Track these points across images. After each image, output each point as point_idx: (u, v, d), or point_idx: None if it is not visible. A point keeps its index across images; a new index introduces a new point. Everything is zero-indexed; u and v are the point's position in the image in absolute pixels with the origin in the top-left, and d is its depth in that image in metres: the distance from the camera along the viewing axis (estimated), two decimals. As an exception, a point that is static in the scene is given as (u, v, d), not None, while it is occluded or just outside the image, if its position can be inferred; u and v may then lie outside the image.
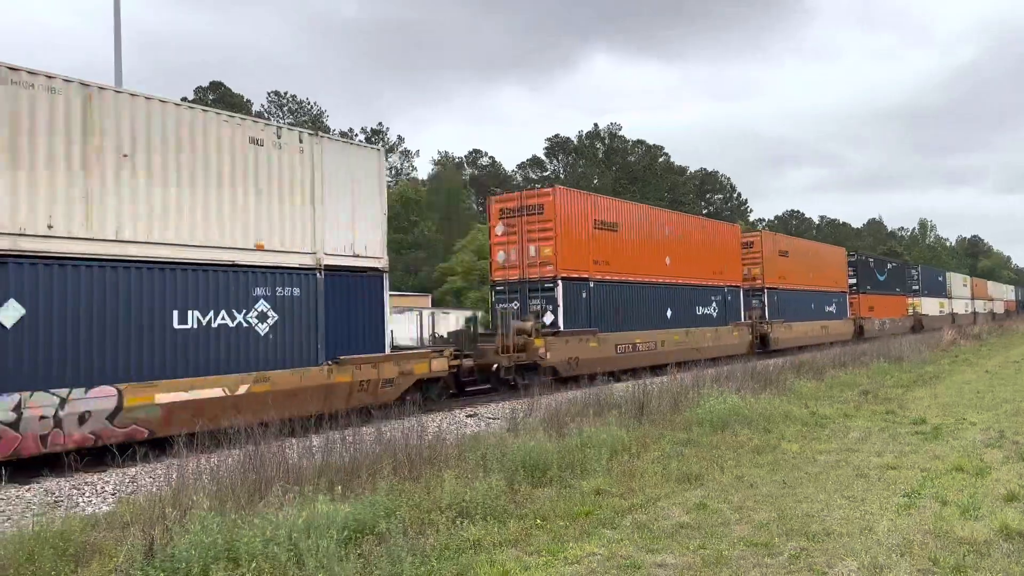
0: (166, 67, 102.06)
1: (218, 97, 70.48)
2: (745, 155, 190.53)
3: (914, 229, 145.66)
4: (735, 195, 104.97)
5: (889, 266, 47.87)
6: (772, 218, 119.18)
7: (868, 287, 42.64)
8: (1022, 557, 5.75)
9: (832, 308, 37.53)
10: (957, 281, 66.64)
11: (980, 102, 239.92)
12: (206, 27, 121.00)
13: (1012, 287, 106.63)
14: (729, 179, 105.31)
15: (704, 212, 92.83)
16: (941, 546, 6.04)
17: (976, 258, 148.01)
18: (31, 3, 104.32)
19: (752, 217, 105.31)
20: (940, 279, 60.57)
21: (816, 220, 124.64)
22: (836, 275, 38.64)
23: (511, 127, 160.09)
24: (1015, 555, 5.78)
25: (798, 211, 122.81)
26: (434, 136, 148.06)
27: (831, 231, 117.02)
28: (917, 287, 53.20)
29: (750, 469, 8.99)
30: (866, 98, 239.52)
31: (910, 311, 51.29)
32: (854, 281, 41.18)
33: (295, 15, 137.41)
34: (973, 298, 71.57)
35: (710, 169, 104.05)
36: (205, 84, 71.61)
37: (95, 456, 10.05)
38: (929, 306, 55.27)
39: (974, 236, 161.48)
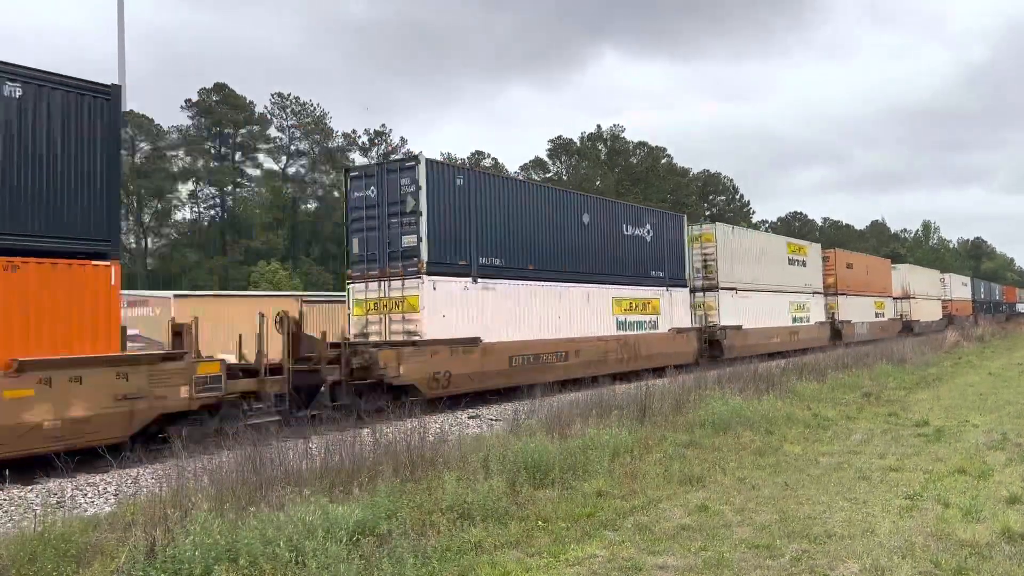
0: (170, 67, 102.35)
1: (221, 98, 70.69)
2: (752, 155, 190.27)
3: (917, 231, 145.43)
4: (738, 196, 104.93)
5: None
6: (775, 219, 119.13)
7: None
8: (1024, 559, 5.74)
9: None
10: (774, 249, 31.62)
11: (993, 101, 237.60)
12: (210, 27, 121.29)
13: (967, 279, 72.59)
14: (732, 180, 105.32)
15: (707, 214, 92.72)
16: (943, 548, 6.03)
17: (979, 260, 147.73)
18: (35, 2, 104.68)
19: (755, 219, 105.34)
20: (673, 242, 24.82)
21: (819, 222, 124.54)
22: None
23: (518, 127, 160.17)
24: (1017, 557, 5.76)
25: (801, 212, 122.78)
26: (440, 137, 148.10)
27: (834, 232, 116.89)
28: (477, 259, 18.05)
29: (752, 471, 8.98)
30: (874, 96, 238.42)
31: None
32: None
33: (299, 15, 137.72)
34: (834, 293, 37.42)
35: (713, 170, 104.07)
36: (209, 85, 71.76)
37: (85, 456, 10.03)
38: (591, 311, 21.02)
39: (976, 238, 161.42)
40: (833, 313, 37.33)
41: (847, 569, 5.65)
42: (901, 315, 48.98)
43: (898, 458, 9.58)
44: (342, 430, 9.78)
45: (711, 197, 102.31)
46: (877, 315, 43.48)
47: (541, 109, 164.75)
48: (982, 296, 74.88)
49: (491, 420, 14.42)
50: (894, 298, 47.78)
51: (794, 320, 32.76)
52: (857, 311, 40.05)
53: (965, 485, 8.08)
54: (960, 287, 66.57)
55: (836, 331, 36.89)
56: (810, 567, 5.72)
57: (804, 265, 34.76)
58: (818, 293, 35.90)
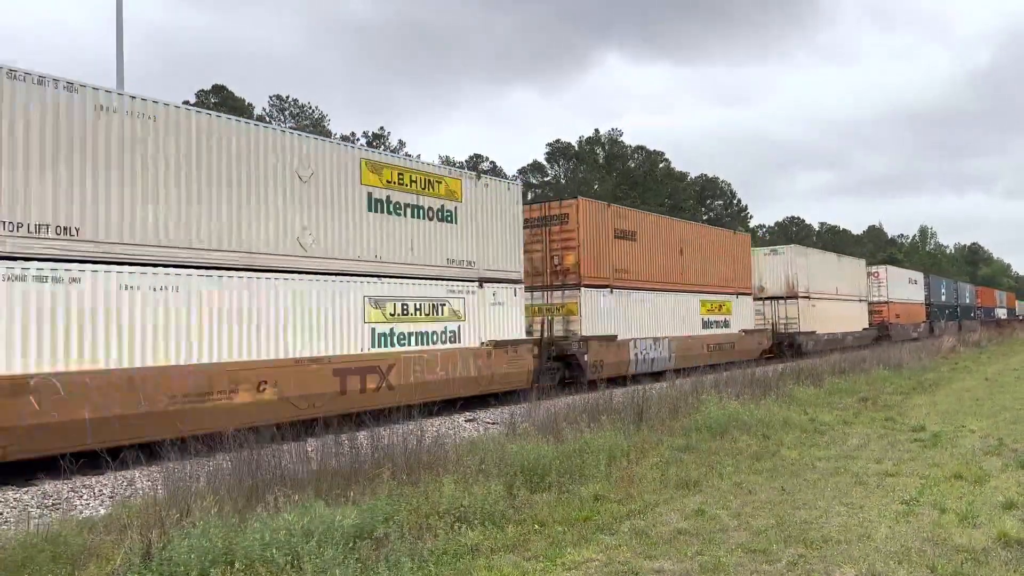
0: (170, 68, 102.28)
1: (220, 100, 70.61)
2: (751, 159, 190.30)
3: (914, 236, 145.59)
4: (735, 201, 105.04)
5: None
6: (772, 224, 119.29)
7: None
8: (1020, 565, 5.74)
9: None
10: (295, 164, 11.37)
11: (994, 103, 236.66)
12: (210, 27, 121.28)
13: (919, 275, 52.35)
14: (729, 185, 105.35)
15: (704, 218, 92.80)
16: (939, 553, 6.04)
17: (976, 265, 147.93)
18: (35, 2, 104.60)
19: (753, 223, 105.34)
20: None
21: (816, 227, 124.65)
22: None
23: (519, 129, 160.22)
24: (1013, 563, 5.77)
25: (798, 217, 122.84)
26: (441, 139, 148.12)
27: (831, 237, 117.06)
28: None
29: (749, 475, 8.98)
30: (875, 99, 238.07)
31: None
32: None
33: (299, 15, 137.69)
34: (575, 284, 18.97)
35: (711, 175, 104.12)
36: (208, 86, 71.66)
37: (89, 459, 10.00)
38: None
39: (973, 244, 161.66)
40: (550, 322, 18.99)
41: (843, 574, 5.65)
42: (778, 324, 31.31)
43: (895, 463, 9.59)
44: (338, 432, 9.77)
45: (708, 201, 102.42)
46: (707, 324, 25.37)
47: (542, 111, 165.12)
48: (943, 298, 56.10)
49: (488, 424, 14.41)
50: (758, 298, 30.86)
51: (402, 341, 14.10)
52: (642, 320, 21.81)
53: (961, 490, 8.09)
54: (907, 286, 47.90)
55: (564, 358, 18.90)
56: (807, 572, 5.72)
57: (451, 220, 15.35)
58: (508, 283, 16.92)
